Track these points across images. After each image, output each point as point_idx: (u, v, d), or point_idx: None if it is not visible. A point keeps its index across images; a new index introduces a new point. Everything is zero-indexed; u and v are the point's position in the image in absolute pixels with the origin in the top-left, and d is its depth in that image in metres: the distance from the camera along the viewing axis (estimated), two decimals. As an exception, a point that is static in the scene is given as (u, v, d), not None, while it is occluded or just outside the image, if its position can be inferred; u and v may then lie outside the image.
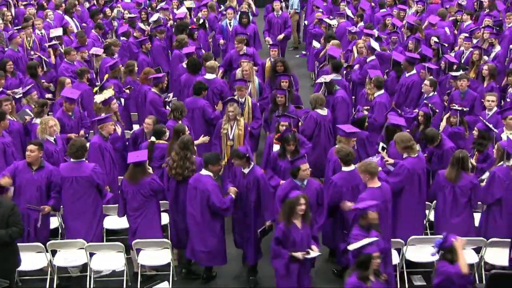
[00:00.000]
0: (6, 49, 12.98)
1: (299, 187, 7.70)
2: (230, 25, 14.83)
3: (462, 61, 12.28)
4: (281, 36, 15.57)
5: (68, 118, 9.82)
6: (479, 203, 8.22)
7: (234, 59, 12.68)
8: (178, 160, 8.12)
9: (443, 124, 9.72)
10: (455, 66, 11.61)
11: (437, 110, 9.67)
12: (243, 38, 12.76)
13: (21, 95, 10.38)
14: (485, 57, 12.00)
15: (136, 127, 10.85)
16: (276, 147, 9.01)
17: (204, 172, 7.90)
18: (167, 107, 10.44)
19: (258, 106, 10.52)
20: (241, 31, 14.16)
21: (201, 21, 14.93)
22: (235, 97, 10.17)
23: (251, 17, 15.27)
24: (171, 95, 11.02)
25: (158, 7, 16.26)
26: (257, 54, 13.12)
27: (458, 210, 8.04)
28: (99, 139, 8.96)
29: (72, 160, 8.19)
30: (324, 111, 9.96)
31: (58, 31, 13.67)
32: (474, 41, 12.93)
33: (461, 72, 11.02)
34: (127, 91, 11.15)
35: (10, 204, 7.14)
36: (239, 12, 15.37)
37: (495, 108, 9.77)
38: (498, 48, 12.59)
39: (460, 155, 7.96)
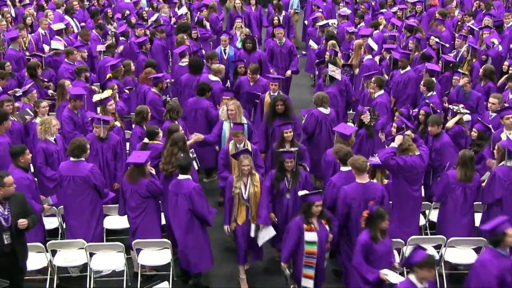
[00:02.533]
0: (4, 50, 13.03)
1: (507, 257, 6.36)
2: (225, 53, 13.05)
3: (458, 59, 12.36)
4: (288, 72, 13.32)
5: (76, 116, 9.83)
6: (480, 203, 8.25)
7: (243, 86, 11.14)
8: (167, 156, 8.18)
9: (452, 121, 9.61)
10: (451, 65, 11.65)
11: (438, 110, 9.68)
12: (257, 67, 11.27)
13: (21, 94, 10.37)
14: (484, 56, 12.06)
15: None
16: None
17: (183, 176, 7.82)
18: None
19: (259, 153, 8.94)
20: (245, 57, 12.48)
21: (196, 19, 14.99)
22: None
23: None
24: (169, 99, 11.00)
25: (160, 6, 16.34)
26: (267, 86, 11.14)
27: (466, 210, 8.09)
28: (92, 139, 8.94)
29: (71, 159, 8.19)
30: (327, 110, 9.95)
31: (60, 25, 13.75)
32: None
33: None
34: (127, 91, 11.14)
35: (20, 194, 7.20)
36: (239, 37, 13.74)
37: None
38: (500, 48, 12.63)
39: (469, 154, 8.00)
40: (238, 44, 13.47)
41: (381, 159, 8.09)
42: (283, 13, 16.18)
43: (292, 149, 8.27)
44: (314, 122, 9.92)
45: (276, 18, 15.12)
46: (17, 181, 7.79)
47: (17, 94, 10.41)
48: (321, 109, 9.93)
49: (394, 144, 8.17)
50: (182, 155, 8.22)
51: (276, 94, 10.29)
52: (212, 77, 11.12)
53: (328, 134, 9.95)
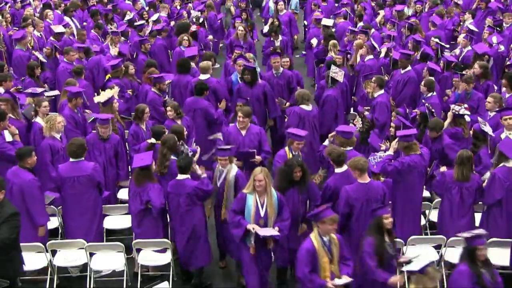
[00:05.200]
0: (4, 48, 13.06)
1: None
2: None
3: (460, 59, 12.34)
4: (288, 104, 11.03)
5: (76, 115, 9.84)
6: (480, 203, 8.26)
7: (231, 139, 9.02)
8: (159, 158, 8.19)
9: (446, 122, 9.65)
10: (453, 64, 11.64)
11: (433, 110, 9.67)
12: (250, 112, 9.12)
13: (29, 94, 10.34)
14: (487, 56, 12.06)
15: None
16: None
17: (181, 176, 7.80)
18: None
19: (344, 242, 6.92)
20: (246, 91, 10.68)
21: (201, 20, 14.96)
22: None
23: (259, 68, 11.76)
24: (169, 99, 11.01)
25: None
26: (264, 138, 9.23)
27: (464, 211, 8.07)
28: (93, 139, 8.90)
29: (71, 159, 8.15)
30: (308, 107, 9.98)
31: (60, 28, 13.76)
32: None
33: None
34: (130, 92, 11.12)
35: (11, 211, 6.72)
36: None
37: (496, 108, 9.68)
38: (502, 47, 12.65)
39: (467, 154, 7.99)
40: (233, 77, 11.54)
41: (378, 168, 8.13)
42: (280, 37, 14.01)
43: None
44: (297, 119, 9.91)
45: (275, 46, 13.01)
46: (23, 183, 7.84)
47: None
48: (303, 106, 9.94)
49: (390, 152, 8.21)
50: (186, 150, 8.25)
51: (297, 153, 8.53)
52: (203, 77, 10.92)
53: (312, 130, 9.98)
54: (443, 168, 8.47)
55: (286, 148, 8.52)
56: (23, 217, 7.07)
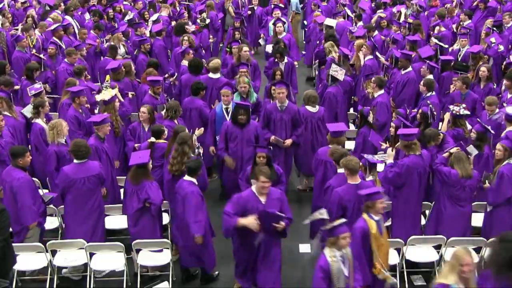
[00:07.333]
0: (5, 46, 13.08)
1: None
2: (228, 113, 9.83)
3: (459, 59, 12.34)
4: (288, 142, 9.74)
5: (81, 115, 9.83)
6: (480, 202, 8.25)
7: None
8: (177, 156, 8.14)
9: (444, 125, 9.69)
10: (452, 63, 11.64)
11: (435, 112, 9.67)
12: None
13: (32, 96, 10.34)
14: (487, 57, 12.06)
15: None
16: None
17: (187, 178, 7.78)
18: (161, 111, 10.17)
19: None
20: (235, 132, 9.33)
21: (207, 21, 14.98)
22: None
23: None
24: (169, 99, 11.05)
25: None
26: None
27: (465, 209, 8.08)
28: (95, 140, 8.86)
29: (76, 161, 8.05)
30: (314, 108, 10.04)
31: (55, 25, 13.79)
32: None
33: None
34: (130, 95, 11.12)
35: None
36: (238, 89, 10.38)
37: (496, 110, 9.72)
38: (501, 48, 12.66)
39: (462, 152, 7.99)
40: (236, 97, 10.32)
41: (381, 179, 8.12)
42: (286, 59, 12.38)
43: None
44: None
45: (278, 72, 11.20)
46: (17, 181, 7.83)
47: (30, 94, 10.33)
48: (308, 107, 10.01)
49: (390, 160, 8.22)
50: (192, 155, 8.24)
51: (379, 217, 6.86)
52: (212, 75, 11.05)
53: (314, 132, 10.00)
54: (454, 150, 8.26)
55: (365, 216, 6.77)
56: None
